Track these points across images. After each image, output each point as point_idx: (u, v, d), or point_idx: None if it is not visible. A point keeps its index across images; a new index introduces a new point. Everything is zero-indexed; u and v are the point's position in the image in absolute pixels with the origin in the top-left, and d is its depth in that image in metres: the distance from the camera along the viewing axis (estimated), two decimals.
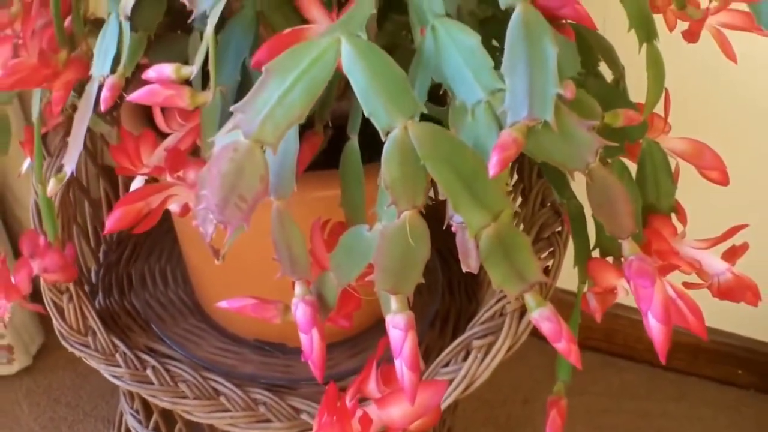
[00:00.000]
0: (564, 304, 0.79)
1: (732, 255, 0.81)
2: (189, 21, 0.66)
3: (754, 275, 0.82)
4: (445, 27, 0.62)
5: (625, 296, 0.74)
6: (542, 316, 0.61)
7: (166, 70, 0.69)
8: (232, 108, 0.58)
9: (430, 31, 0.62)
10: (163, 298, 1.15)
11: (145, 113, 0.91)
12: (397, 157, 0.56)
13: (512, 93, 0.57)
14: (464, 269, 0.61)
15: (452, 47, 0.61)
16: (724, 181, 0.84)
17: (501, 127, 0.57)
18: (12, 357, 1.59)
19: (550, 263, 0.93)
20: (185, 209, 0.79)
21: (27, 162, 0.95)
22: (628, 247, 0.64)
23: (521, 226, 0.95)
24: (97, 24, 0.83)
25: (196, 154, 0.79)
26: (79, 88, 0.83)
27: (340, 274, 0.65)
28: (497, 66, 0.59)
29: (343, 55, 0.58)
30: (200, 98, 0.68)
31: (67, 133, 1.06)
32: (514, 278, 0.60)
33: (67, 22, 0.83)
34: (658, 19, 0.83)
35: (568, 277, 0.85)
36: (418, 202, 0.57)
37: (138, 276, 1.18)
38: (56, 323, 1.02)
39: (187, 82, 0.70)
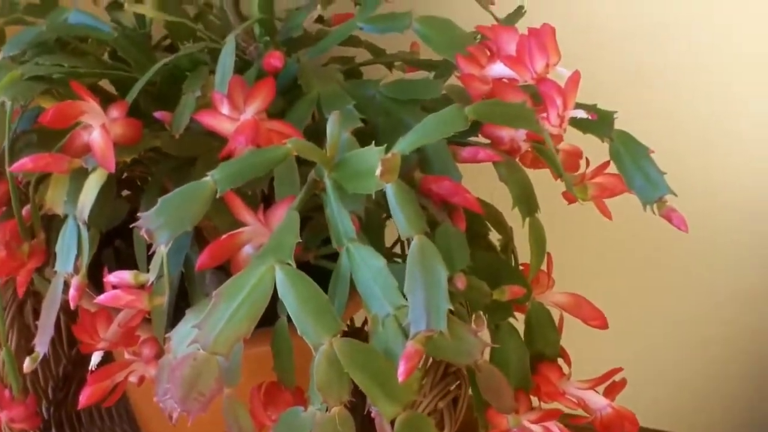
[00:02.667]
0: None
1: (611, 391, 0.96)
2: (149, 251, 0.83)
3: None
4: (357, 250, 0.78)
5: None
6: None
7: (125, 276, 0.85)
8: (192, 325, 0.76)
9: (345, 252, 0.80)
10: None
11: (99, 291, 1.04)
12: (325, 367, 0.73)
13: (413, 309, 0.74)
14: None
15: (364, 267, 0.77)
16: (603, 326, 0.99)
17: (406, 336, 0.74)
18: None
19: (458, 393, 1.12)
20: (141, 379, 0.97)
21: None
22: (511, 419, 0.83)
23: (430, 360, 1.13)
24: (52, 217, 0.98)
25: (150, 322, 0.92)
26: None
27: None
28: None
29: (277, 282, 0.75)
30: (156, 301, 0.84)
31: (15, 290, 1.23)
32: None
33: (24, 211, 0.96)
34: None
35: None
36: (344, 399, 0.74)
37: (86, 412, 1.32)
38: None
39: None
